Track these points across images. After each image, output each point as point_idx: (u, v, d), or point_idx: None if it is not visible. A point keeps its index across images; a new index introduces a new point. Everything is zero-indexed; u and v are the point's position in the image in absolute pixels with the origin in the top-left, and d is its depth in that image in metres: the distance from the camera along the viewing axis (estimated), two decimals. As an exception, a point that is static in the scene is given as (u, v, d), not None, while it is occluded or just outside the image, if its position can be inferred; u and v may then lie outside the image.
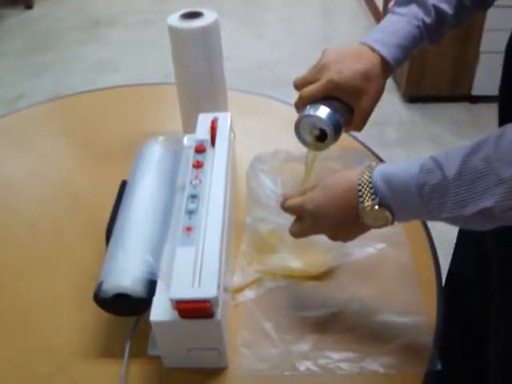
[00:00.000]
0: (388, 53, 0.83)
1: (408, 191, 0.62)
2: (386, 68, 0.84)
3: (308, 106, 0.82)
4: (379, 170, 0.66)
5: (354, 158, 1.01)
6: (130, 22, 4.07)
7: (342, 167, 0.98)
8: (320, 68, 0.83)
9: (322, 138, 0.83)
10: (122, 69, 3.47)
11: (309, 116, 0.81)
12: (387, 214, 0.65)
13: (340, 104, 0.82)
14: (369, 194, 0.65)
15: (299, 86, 0.85)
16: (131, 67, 3.47)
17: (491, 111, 3.01)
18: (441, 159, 0.61)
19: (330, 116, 0.80)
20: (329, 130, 0.81)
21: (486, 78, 2.78)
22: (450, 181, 0.59)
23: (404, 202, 0.63)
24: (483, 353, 0.95)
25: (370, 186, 0.65)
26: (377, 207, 0.64)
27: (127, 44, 3.77)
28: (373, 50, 0.84)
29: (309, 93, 0.82)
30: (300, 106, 0.84)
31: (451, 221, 0.61)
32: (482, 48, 2.73)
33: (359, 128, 0.86)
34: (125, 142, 1.16)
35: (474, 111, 2.90)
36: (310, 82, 0.83)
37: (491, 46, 2.70)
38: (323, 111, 0.80)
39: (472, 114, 2.88)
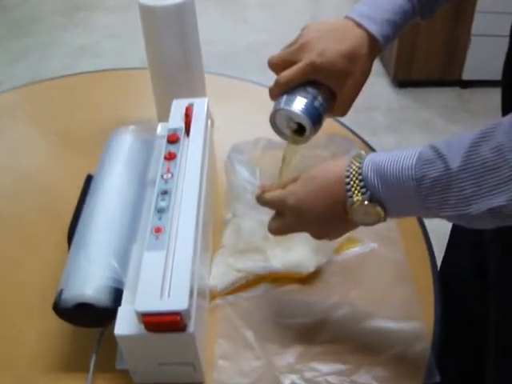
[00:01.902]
0: (376, 30, 0.74)
1: (403, 185, 0.54)
2: (374, 47, 0.75)
3: (284, 96, 0.73)
4: (370, 159, 0.58)
5: (342, 144, 0.94)
6: (111, 5, 3.95)
7: (328, 155, 0.91)
8: (299, 47, 0.74)
9: (300, 130, 0.75)
10: (102, 54, 3.37)
11: (284, 110, 0.73)
12: (379, 209, 0.57)
13: (321, 88, 0.74)
14: (358, 188, 0.57)
15: (275, 66, 0.76)
16: (112, 52, 3.38)
17: (482, 96, 2.97)
18: (442, 148, 0.53)
19: (307, 109, 0.72)
20: (307, 124, 0.73)
21: (478, 62, 2.72)
22: (454, 174, 0.51)
23: (399, 197, 0.56)
24: (480, 354, 0.88)
25: (360, 178, 0.57)
26: (367, 202, 0.57)
27: (108, 29, 3.67)
28: (359, 25, 0.75)
29: (286, 79, 0.73)
30: (276, 93, 0.75)
31: (452, 219, 0.54)
32: (474, 31, 2.65)
33: (343, 113, 0.78)
34: (98, 130, 1.08)
35: (465, 96, 2.84)
36: (288, 63, 0.74)
37: (483, 28, 2.63)
38: (300, 104, 0.72)
39: (463, 99, 2.82)
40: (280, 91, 0.75)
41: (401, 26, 0.77)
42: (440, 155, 0.52)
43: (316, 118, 0.73)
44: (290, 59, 0.74)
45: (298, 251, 0.79)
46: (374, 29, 0.74)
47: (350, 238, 0.82)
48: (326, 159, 0.89)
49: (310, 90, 0.73)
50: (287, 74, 0.73)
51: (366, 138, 1.06)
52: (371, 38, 0.74)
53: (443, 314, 0.74)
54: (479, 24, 2.62)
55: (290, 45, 0.76)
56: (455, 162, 0.51)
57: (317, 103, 0.73)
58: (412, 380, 0.66)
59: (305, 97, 0.72)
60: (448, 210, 0.53)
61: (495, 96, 0.80)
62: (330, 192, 0.61)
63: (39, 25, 3.79)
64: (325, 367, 0.68)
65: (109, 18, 3.80)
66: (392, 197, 0.56)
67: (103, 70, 1.37)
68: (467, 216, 0.52)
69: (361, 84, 0.76)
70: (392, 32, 0.76)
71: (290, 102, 0.72)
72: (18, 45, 3.56)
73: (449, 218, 0.54)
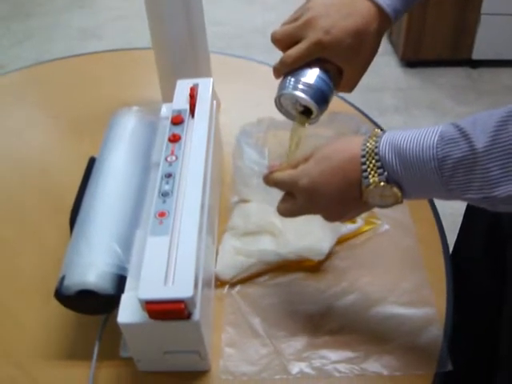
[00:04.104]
0: (387, 3, 0.70)
1: (424, 165, 0.52)
2: (384, 22, 0.72)
3: (289, 78, 0.71)
4: (387, 138, 0.55)
5: (346, 123, 0.90)
6: (116, -14, 3.92)
7: (331, 133, 0.88)
8: (304, 23, 0.70)
9: (307, 111, 0.72)
10: (106, 36, 3.33)
11: (289, 94, 0.70)
12: (396, 190, 0.55)
13: (327, 66, 0.71)
14: (375, 168, 0.55)
15: (278, 41, 0.73)
16: (117, 34, 3.34)
17: (492, 76, 2.90)
18: (466, 127, 0.50)
19: (313, 92, 0.69)
20: (314, 108, 0.70)
21: (488, 41, 2.67)
22: (480, 154, 0.48)
23: (418, 178, 0.53)
24: (493, 339, 0.86)
25: (377, 158, 0.55)
26: (383, 183, 0.54)
27: (113, 10, 3.62)
28: None
29: (292, 58, 0.70)
30: (281, 72, 0.73)
31: (476, 201, 0.51)
32: (483, 10, 2.60)
33: (350, 90, 0.76)
34: (101, 112, 1.05)
35: (475, 76, 2.79)
36: (292, 38, 0.71)
37: (493, 7, 2.58)
38: (305, 87, 0.69)
39: (472, 79, 2.77)
40: (285, 71, 0.72)
41: (413, 0, 0.74)
42: (464, 134, 0.50)
43: (323, 99, 0.70)
44: (295, 35, 0.71)
45: (310, 236, 0.76)
46: (384, 2, 0.70)
47: (366, 219, 0.80)
48: (329, 138, 0.86)
49: (316, 69, 0.70)
50: (293, 53, 0.70)
51: (374, 119, 1.04)
52: (381, 12, 0.71)
53: (455, 299, 0.72)
54: (489, 3, 2.57)
55: (294, 18, 0.73)
56: (481, 142, 0.48)
57: (323, 84, 0.70)
58: (423, 368, 0.64)
59: (310, 79, 0.69)
60: (472, 193, 0.50)
61: (505, 76, 0.77)
62: (344, 172, 0.58)
63: (43, 6, 3.75)
64: (334, 355, 0.66)
65: (114, 0, 3.76)
66: (411, 177, 0.54)
67: (106, 51, 1.35)
68: (493, 199, 0.49)
69: (369, 61, 0.73)
70: (403, 6, 0.72)
71: (295, 85, 0.70)
72: (21, 27, 3.52)
73: (472, 201, 0.52)
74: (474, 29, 2.67)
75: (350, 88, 0.75)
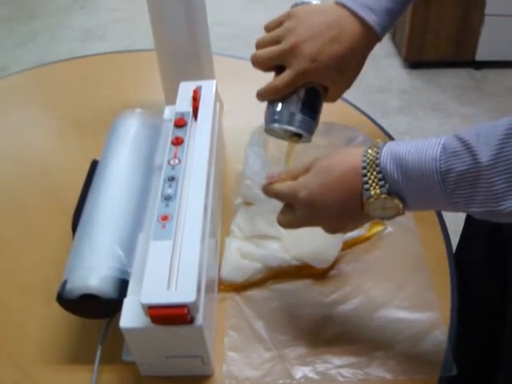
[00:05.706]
0: (376, 21, 0.68)
1: (427, 178, 0.51)
2: (371, 39, 0.70)
3: (274, 108, 0.70)
4: (388, 149, 0.54)
5: (341, 133, 0.88)
6: (118, -13, 3.91)
7: (325, 143, 0.87)
8: (289, 50, 0.68)
9: (298, 134, 0.71)
10: (109, 37, 3.33)
11: (277, 127, 0.69)
12: (397, 202, 0.54)
13: (313, 85, 0.70)
14: (376, 180, 0.54)
15: (260, 65, 0.72)
16: (119, 35, 3.34)
17: (496, 77, 2.90)
18: (470, 139, 0.49)
19: (301, 121, 0.68)
20: (304, 134, 0.69)
21: (491, 42, 2.66)
22: (484, 168, 0.47)
23: (421, 191, 0.52)
24: (496, 342, 0.86)
25: (378, 169, 0.54)
26: (384, 196, 0.54)
27: (115, 11, 3.62)
28: (355, 15, 0.68)
29: (277, 89, 0.69)
30: (264, 99, 0.72)
31: (480, 215, 0.50)
32: (487, 11, 2.59)
33: (333, 101, 0.74)
34: (103, 114, 1.06)
35: (478, 77, 2.78)
36: (275, 62, 0.70)
37: (496, 8, 2.57)
38: (293, 118, 0.68)
39: (476, 80, 2.77)
40: (270, 99, 0.71)
41: (400, 14, 0.72)
42: (468, 147, 0.49)
43: (311, 124, 0.70)
44: (278, 60, 0.70)
45: (315, 243, 0.75)
46: (374, 20, 0.68)
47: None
48: (326, 148, 0.85)
49: (302, 95, 0.69)
50: (278, 84, 0.69)
51: (378, 120, 1.03)
52: (369, 30, 0.69)
53: (459, 303, 0.72)
54: (493, 3, 2.57)
55: (275, 40, 0.70)
56: (485, 155, 0.47)
57: (309, 111, 0.69)
58: (427, 373, 0.64)
59: (297, 108, 0.69)
60: (475, 206, 0.50)
61: (509, 77, 0.76)
62: (345, 184, 0.57)
63: (45, 7, 3.75)
64: (337, 360, 0.65)
65: (116, 0, 3.76)
66: (413, 189, 0.53)
67: (109, 53, 1.34)
68: (498, 213, 0.48)
69: (354, 77, 0.72)
70: (391, 22, 0.71)
71: (281, 118, 0.69)
72: (23, 28, 3.52)
73: (476, 214, 0.51)
74: (477, 30, 2.66)
75: (334, 101, 0.74)
